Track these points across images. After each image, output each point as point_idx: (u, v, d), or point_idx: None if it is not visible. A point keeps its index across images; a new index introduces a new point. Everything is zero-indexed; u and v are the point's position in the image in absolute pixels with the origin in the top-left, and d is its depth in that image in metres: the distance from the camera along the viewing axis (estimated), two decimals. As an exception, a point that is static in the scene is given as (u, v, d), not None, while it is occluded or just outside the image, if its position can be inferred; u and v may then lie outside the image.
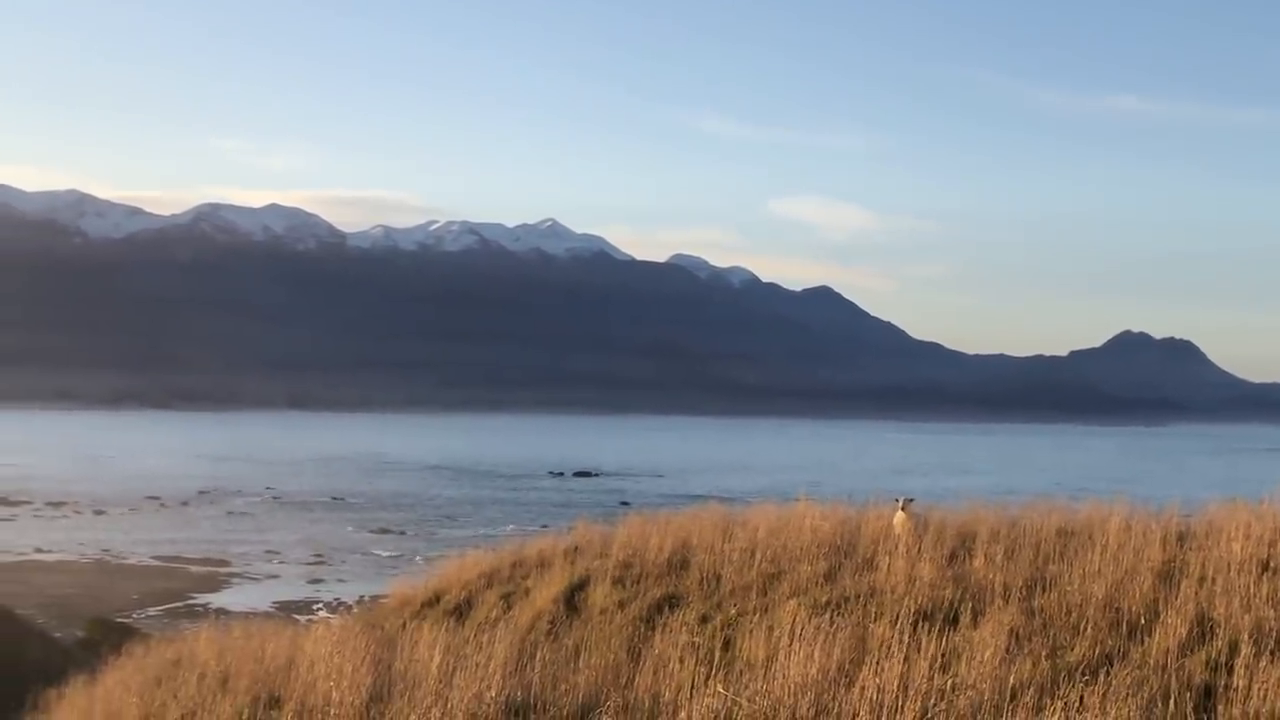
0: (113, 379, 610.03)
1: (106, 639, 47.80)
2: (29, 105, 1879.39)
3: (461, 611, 23.16)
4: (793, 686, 12.47)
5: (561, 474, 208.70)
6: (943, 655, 13.46)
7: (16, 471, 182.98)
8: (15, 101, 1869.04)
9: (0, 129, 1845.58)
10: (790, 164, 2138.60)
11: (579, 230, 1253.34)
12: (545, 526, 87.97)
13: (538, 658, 14.49)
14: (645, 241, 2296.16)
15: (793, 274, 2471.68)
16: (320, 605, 79.08)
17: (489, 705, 13.02)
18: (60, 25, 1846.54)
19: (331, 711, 13.51)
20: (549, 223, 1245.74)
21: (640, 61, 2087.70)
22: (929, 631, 13.82)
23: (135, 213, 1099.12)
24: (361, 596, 74.24)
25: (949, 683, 12.53)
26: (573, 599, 21.48)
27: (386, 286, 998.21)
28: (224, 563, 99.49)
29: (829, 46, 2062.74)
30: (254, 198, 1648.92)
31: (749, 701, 12.31)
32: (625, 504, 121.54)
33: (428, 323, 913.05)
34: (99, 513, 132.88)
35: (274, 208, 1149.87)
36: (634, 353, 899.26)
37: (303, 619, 59.89)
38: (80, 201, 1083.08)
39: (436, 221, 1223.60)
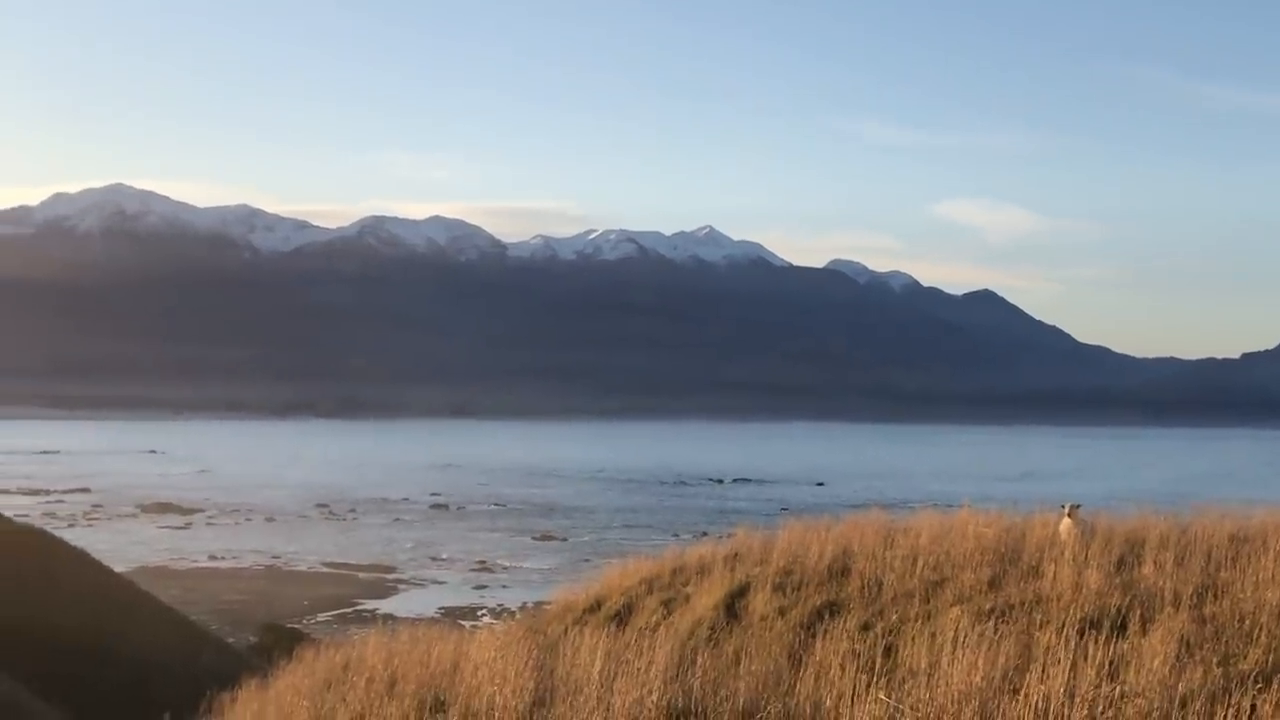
0: (281, 389, 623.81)
1: (278, 644, 48.91)
2: (201, 124, 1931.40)
3: (622, 617, 23.26)
4: (956, 694, 12.34)
5: (721, 481, 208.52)
6: (1110, 663, 13.21)
7: (190, 480, 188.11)
8: (189, 121, 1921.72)
9: (175, 148, 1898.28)
10: (952, 167, 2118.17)
11: (736, 237, 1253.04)
12: (705, 533, 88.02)
13: (698, 663, 14.51)
14: (803, 247, 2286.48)
15: (954, 278, 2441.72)
16: (484, 611, 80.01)
17: (650, 710, 13.07)
18: (229, 49, 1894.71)
19: (495, 715, 13.67)
20: (706, 230, 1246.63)
21: (801, 68, 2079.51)
22: (1096, 639, 13.58)
23: (303, 226, 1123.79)
24: (525, 603, 74.90)
25: (1117, 690, 12.30)
26: (733, 605, 21.46)
27: (546, 296, 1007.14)
28: (390, 569, 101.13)
29: (993, 47, 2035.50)
30: (417, 210, 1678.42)
31: (911, 709, 12.21)
32: (785, 510, 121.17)
33: (586, 331, 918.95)
34: (270, 520, 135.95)
35: (436, 219, 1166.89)
36: (792, 359, 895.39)
37: (468, 625, 60.68)
38: (250, 216, 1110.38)
39: (595, 231, 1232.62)
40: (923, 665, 14.41)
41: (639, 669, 13.99)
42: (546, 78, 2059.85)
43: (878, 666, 13.96)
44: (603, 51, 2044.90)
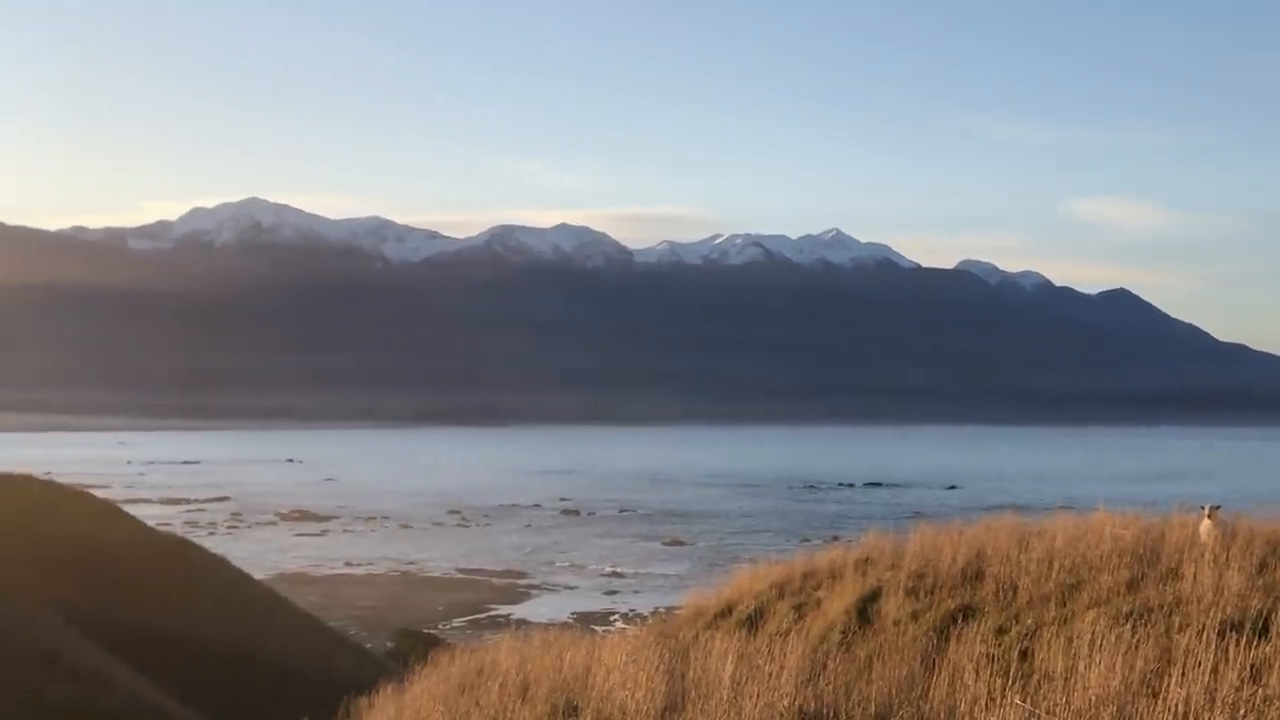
0: (413, 397, 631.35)
1: (413, 649, 49.53)
2: (334, 137, 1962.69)
3: (753, 622, 23.20)
4: (1093, 698, 12.17)
5: (851, 485, 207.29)
6: (1252, 666, 12.94)
7: (326, 488, 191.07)
8: (323, 134, 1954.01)
9: (308, 161, 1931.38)
10: (1083, 164, 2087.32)
11: (864, 239, 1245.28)
12: (835, 537, 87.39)
13: (830, 668, 14.45)
14: (933, 248, 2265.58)
15: (1087, 277, 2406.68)
16: (616, 616, 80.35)
17: (781, 714, 13.04)
18: (361, 62, 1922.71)
19: (627, 719, 13.73)
20: (833, 233, 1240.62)
21: (928, 68, 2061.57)
22: (1236, 642, 13.30)
23: (433, 236, 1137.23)
24: (655, 607, 75.08)
25: (1259, 694, 12.05)
26: (864, 610, 21.31)
27: (672, 301, 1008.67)
28: (522, 575, 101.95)
29: (1121, 42, 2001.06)
30: (545, 218, 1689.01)
31: (1048, 713, 12.06)
32: (916, 514, 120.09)
33: (713, 336, 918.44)
34: (404, 527, 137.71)
35: (563, 227, 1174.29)
36: (922, 361, 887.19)
37: (599, 630, 60.97)
38: (381, 227, 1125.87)
39: (721, 235, 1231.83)
40: (1059, 669, 14.23)
41: (770, 674, 13.98)
42: (671, 83, 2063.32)
43: (1013, 670, 13.81)
44: (727, 57, 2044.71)
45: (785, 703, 13.14)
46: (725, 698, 13.46)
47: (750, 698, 13.27)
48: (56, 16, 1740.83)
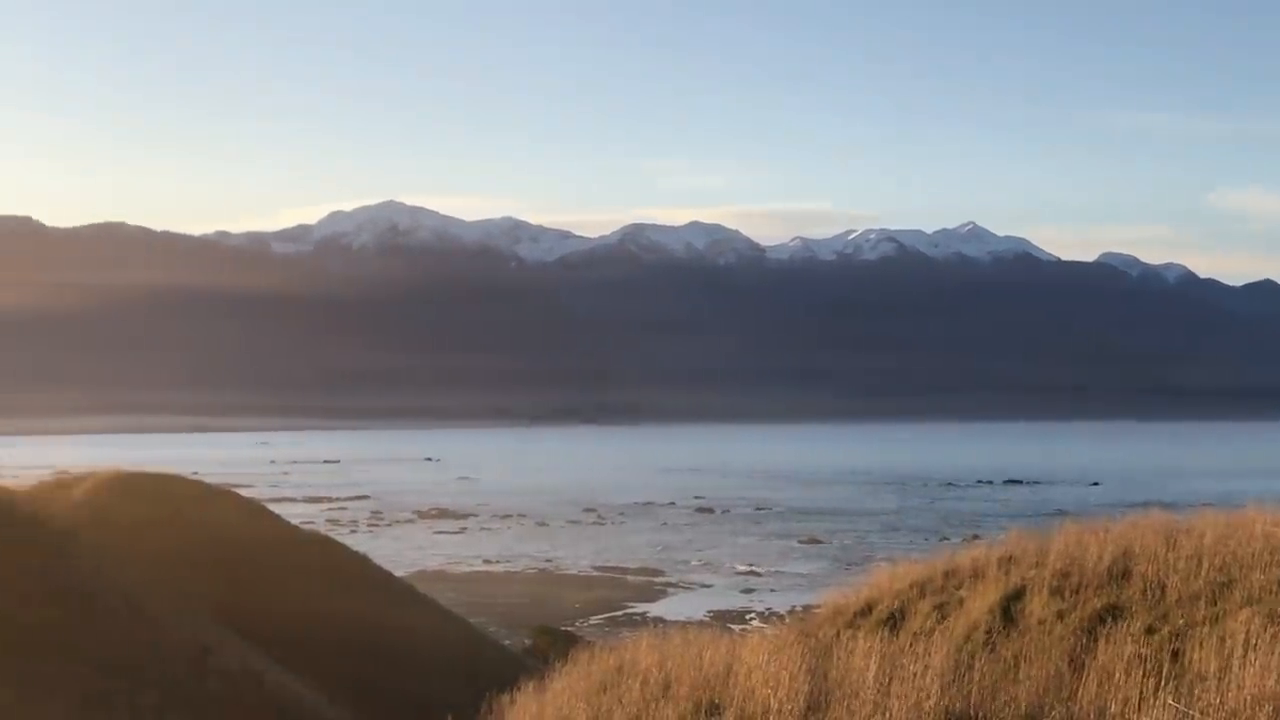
0: (548, 396, 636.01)
1: (552, 646, 49.84)
2: (470, 140, 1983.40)
3: (894, 621, 23.02)
4: (1249, 699, 11.89)
5: (990, 482, 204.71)
6: None
7: (463, 486, 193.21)
8: (460, 137, 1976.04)
9: (444, 164, 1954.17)
10: (1229, 154, 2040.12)
11: (1001, 233, 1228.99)
12: (975, 536, 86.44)
13: (975, 668, 14.27)
14: (1072, 241, 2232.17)
15: (1233, 268, 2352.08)
16: (753, 615, 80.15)
17: (928, 715, 12.92)
18: (496, 64, 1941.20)
19: (770, 718, 13.67)
20: (969, 226, 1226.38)
21: (1065, 57, 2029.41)
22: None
23: (566, 236, 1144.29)
24: (792, 606, 74.74)
25: None
26: (1008, 609, 21.04)
27: (805, 298, 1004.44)
28: (658, 573, 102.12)
29: (1275, 28, 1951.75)
30: (677, 216, 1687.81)
31: (1201, 714, 11.81)
32: (1059, 511, 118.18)
33: (847, 332, 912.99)
34: (541, 525, 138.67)
35: (695, 225, 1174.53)
36: (1062, 356, 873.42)
37: (736, 629, 60.86)
38: (515, 228, 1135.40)
39: (854, 231, 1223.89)
40: (1212, 669, 13.94)
41: (915, 673, 13.85)
42: (802, 80, 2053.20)
43: (1165, 671, 13.54)
44: (859, 53, 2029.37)
45: (931, 703, 13.03)
46: (870, 697, 13.36)
47: (896, 697, 13.16)
48: (197, 28, 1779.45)
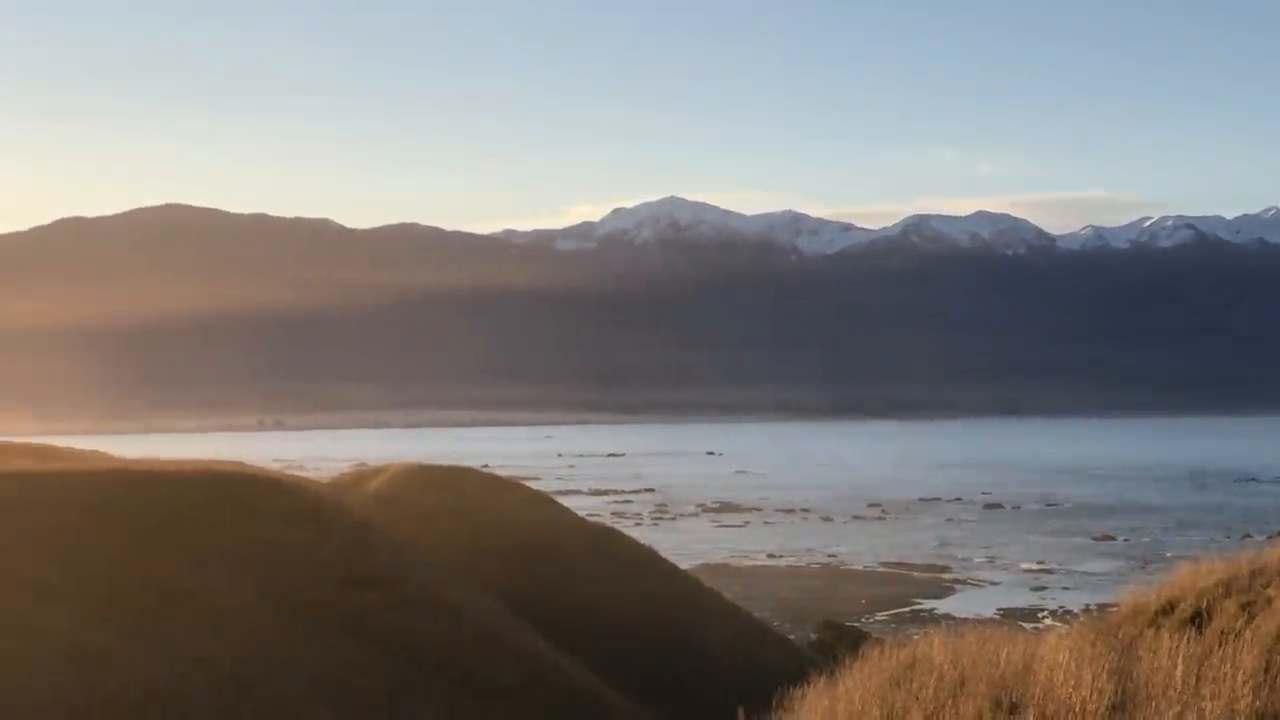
0: (830, 390, 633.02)
1: (838, 641, 49.49)
2: (749, 135, 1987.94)
3: (1198, 621, 22.11)
4: None
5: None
6: None
7: (746, 480, 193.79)
8: (740, 132, 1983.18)
9: (725, 159, 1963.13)
10: None
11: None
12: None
13: (1290, 670, 13.54)
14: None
15: None
16: (1045, 613, 78.28)
17: (1240, 716, 12.33)
18: (772, 59, 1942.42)
19: (1072, 718, 13.22)
20: (1272, 211, 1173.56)
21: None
22: None
23: (848, 229, 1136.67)
24: (1086, 604, 72.74)
25: None
26: (1323, 610, 19.95)
27: (1097, 288, 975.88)
28: (945, 569, 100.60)
29: None
30: (961, 206, 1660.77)
31: None
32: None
33: (1141, 323, 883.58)
34: (825, 520, 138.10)
35: (981, 215, 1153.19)
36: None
37: (1028, 626, 59.47)
38: (795, 221, 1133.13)
39: (1150, 218, 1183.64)
40: None
41: (1224, 674, 13.24)
42: (1083, 63, 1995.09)
43: None
44: (1142, 31, 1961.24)
45: (1243, 704, 12.43)
46: (1177, 698, 12.80)
47: (1206, 699, 12.58)
48: (485, 37, 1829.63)
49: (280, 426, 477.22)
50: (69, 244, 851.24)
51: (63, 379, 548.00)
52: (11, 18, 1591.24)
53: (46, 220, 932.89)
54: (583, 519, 54.50)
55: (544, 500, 54.33)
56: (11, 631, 26.07)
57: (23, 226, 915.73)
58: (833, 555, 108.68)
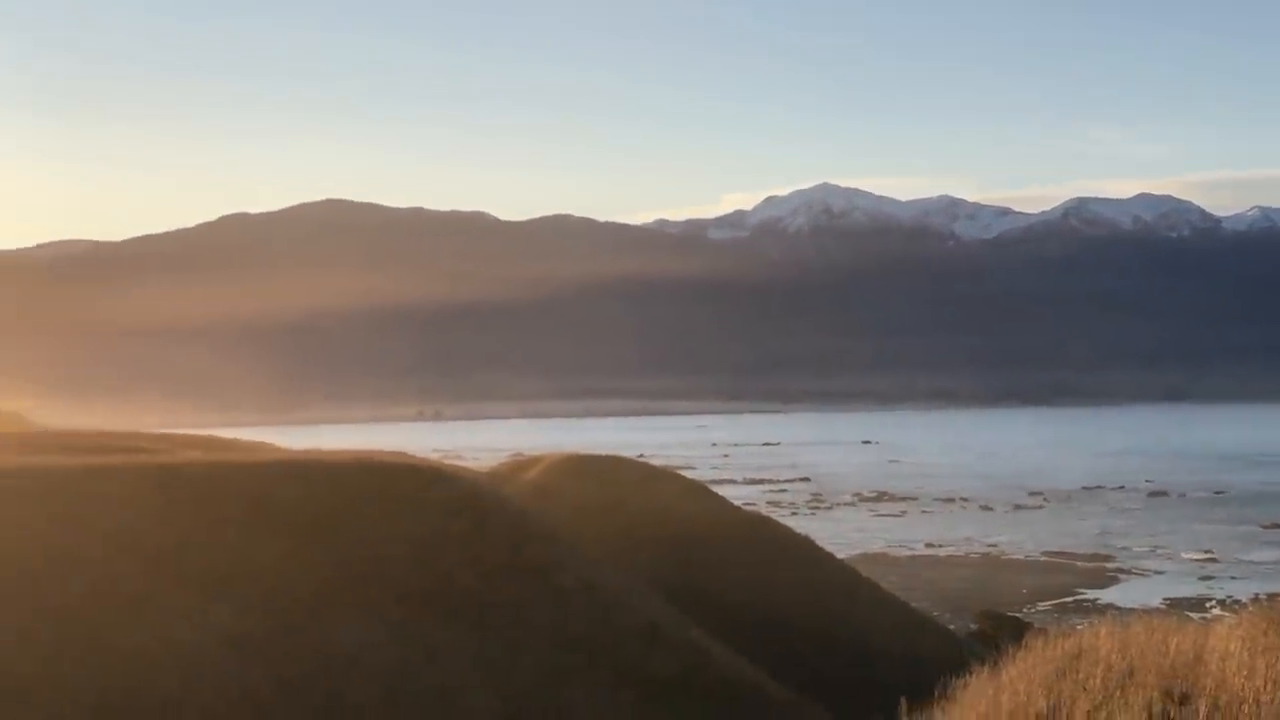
0: (988, 377, 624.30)
1: (999, 631, 48.78)
2: (905, 119, 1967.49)
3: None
4: None
5: None
6: None
7: (903, 470, 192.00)
8: (893, 118, 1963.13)
9: (878, 145, 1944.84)
10: None
11: None
12: None
13: None
14: None
15: None
16: (1213, 603, 76.54)
17: None
18: (925, 43, 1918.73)
19: (1245, 709, 12.84)
20: None
21: None
22: None
23: (1005, 213, 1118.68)
24: (1256, 594, 70.94)
25: None
26: None
27: (1264, 270, 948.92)
28: (1109, 558, 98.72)
29: None
30: (1122, 188, 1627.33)
31: None
32: None
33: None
34: (984, 509, 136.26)
35: (1143, 196, 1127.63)
36: None
37: (1195, 616, 58.08)
38: (952, 206, 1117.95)
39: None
40: None
41: None
42: (1252, 38, 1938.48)
43: None
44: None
45: None
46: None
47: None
48: (638, 34, 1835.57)
49: (438, 417, 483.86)
50: (234, 240, 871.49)
51: (228, 372, 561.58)
52: (186, 23, 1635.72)
53: (212, 217, 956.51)
54: (738, 508, 54.42)
55: (700, 490, 54.36)
56: (180, 621, 26.76)
57: (190, 223, 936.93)
58: (992, 545, 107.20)
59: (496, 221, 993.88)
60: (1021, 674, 15.94)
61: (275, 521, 31.72)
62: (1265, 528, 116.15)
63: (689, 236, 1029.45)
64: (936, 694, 18.09)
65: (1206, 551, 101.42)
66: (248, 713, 25.05)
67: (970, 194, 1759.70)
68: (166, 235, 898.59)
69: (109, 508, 30.69)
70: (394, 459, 43.39)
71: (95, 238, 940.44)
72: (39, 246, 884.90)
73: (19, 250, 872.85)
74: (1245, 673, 13.29)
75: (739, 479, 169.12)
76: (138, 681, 24.53)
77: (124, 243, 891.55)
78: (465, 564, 32.70)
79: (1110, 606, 70.29)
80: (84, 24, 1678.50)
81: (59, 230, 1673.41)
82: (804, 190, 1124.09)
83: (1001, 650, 21.19)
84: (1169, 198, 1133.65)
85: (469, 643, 29.55)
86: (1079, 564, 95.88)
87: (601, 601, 33.67)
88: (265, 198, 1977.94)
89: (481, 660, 29.09)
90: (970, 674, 18.53)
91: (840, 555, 61.48)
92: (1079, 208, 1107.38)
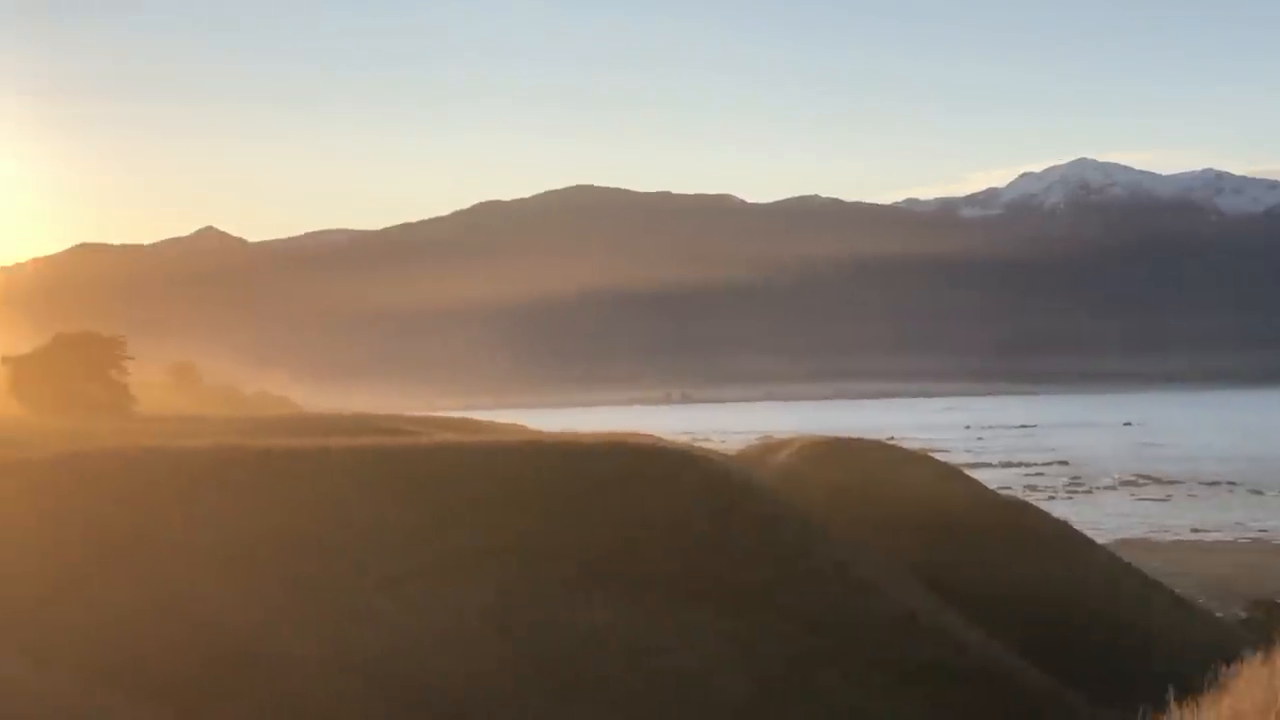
0: (1258, 356, 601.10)
1: (1272, 619, 46.78)
2: (1165, 89, 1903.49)
3: None
4: None
5: None
6: None
7: (1166, 452, 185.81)
8: (1155, 89, 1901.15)
9: (1140, 117, 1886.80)
10: None
11: None
12: None
13: None
14: None
15: None
16: None
17: None
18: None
19: None
20: None
21: None
22: None
23: (1274, 185, 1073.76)
24: None
25: None
26: None
27: None
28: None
29: None
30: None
31: None
32: None
33: None
34: (1254, 493, 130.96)
35: None
36: None
37: None
38: (1216, 179, 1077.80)
39: None
40: None
41: None
42: None
43: None
44: None
45: None
46: None
47: None
48: (883, 15, 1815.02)
49: (686, 400, 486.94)
50: (487, 226, 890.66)
51: (479, 356, 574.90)
52: (437, 16, 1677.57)
53: (466, 205, 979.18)
54: (994, 492, 53.31)
55: (953, 473, 53.42)
56: (434, 602, 27.33)
57: (444, 211, 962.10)
58: (1264, 530, 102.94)
59: (743, 204, 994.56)
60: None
61: (528, 502, 32.20)
62: None
63: (939, 215, 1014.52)
64: (1206, 683, 17.26)
65: None
66: (508, 682, 25.48)
67: (1236, 167, 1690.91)
68: (423, 224, 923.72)
69: (365, 490, 31.63)
70: (645, 441, 43.67)
71: (355, 227, 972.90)
72: (305, 235, 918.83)
73: (287, 239, 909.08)
74: None
75: (994, 462, 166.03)
76: (400, 653, 25.22)
77: (382, 231, 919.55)
78: (716, 547, 32.69)
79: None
80: (335, 23, 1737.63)
81: (321, 220, 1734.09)
82: (1059, 166, 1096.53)
83: (1274, 639, 20.21)
84: None
85: (719, 624, 29.50)
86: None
87: (854, 586, 33.30)
88: (517, 185, 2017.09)
89: (732, 642, 29.00)
90: (1241, 663, 17.66)
91: (1100, 540, 59.70)
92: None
